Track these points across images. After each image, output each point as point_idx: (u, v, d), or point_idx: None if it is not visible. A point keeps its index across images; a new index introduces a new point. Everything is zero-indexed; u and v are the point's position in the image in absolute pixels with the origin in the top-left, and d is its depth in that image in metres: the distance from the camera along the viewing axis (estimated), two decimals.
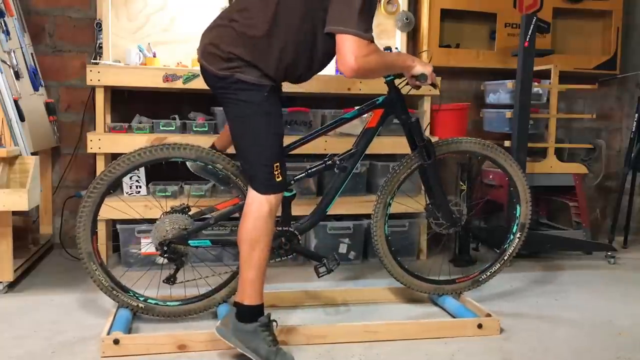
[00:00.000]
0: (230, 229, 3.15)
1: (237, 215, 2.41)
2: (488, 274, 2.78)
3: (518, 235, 2.77)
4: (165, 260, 2.42)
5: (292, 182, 2.42)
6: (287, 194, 2.38)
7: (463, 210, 2.73)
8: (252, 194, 2.13)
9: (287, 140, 2.33)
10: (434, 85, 2.41)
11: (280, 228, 2.42)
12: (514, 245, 2.78)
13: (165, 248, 2.38)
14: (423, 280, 2.71)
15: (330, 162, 2.47)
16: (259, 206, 2.11)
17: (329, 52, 2.15)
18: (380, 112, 2.49)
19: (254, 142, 2.11)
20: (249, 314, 2.12)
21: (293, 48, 2.09)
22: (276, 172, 2.12)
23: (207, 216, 2.52)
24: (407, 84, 2.43)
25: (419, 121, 2.57)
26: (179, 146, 2.37)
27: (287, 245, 2.43)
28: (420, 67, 2.32)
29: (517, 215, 2.76)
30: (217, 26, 2.17)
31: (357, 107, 2.53)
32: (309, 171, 2.50)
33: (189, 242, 2.40)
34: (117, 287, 2.41)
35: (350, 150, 2.50)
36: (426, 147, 2.54)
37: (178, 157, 2.39)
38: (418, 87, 2.44)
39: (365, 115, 2.56)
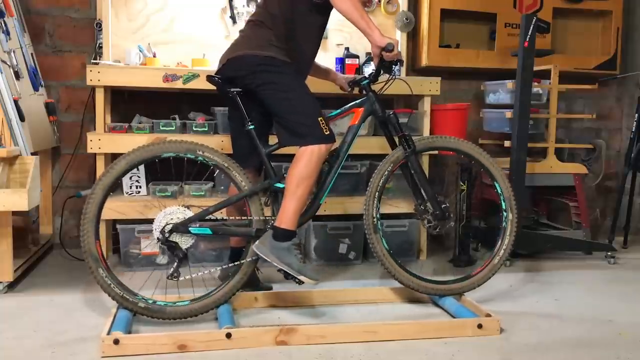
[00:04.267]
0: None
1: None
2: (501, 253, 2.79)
3: (510, 213, 2.81)
4: (165, 258, 2.42)
5: (284, 175, 2.53)
6: (281, 185, 2.53)
7: (450, 207, 2.79)
8: (304, 147, 2.46)
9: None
10: (399, 60, 2.61)
11: (272, 219, 2.53)
12: (511, 220, 2.81)
13: (167, 235, 2.42)
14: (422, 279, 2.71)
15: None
16: (310, 154, 2.45)
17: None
18: (361, 111, 2.71)
19: (300, 103, 2.50)
20: (285, 236, 2.45)
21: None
22: (324, 126, 2.49)
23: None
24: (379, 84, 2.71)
25: (396, 115, 2.72)
26: (168, 141, 2.46)
27: None
28: (386, 38, 2.54)
29: (500, 192, 2.83)
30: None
31: (344, 107, 2.76)
32: None
33: (190, 228, 2.45)
34: (126, 292, 2.39)
35: (339, 145, 2.67)
36: (405, 138, 2.69)
37: (169, 152, 2.45)
38: (389, 67, 2.64)
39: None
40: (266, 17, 2.58)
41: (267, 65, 2.50)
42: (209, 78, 2.64)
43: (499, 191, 2.83)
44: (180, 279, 2.44)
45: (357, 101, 2.73)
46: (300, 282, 2.47)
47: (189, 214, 2.48)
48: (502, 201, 2.82)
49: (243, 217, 2.58)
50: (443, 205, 2.73)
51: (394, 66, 2.66)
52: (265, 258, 2.44)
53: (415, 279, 2.67)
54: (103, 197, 2.43)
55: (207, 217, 2.51)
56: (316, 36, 2.74)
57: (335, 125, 2.90)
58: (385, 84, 2.73)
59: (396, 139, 2.74)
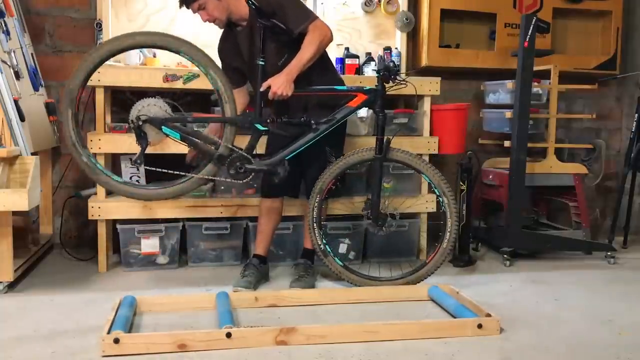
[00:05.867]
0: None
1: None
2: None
3: (444, 197, 2.88)
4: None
5: (268, 121, 2.74)
6: (260, 127, 2.72)
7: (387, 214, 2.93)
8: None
9: None
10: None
11: (244, 154, 2.71)
12: (447, 203, 2.89)
13: (140, 124, 2.59)
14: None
15: (306, 120, 2.78)
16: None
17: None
18: (364, 98, 2.82)
19: None
20: None
21: None
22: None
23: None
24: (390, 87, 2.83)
25: (385, 118, 2.84)
26: (146, 33, 2.69)
27: (241, 168, 2.72)
28: (276, 82, 2.68)
29: (429, 180, 2.92)
30: None
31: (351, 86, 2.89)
32: (287, 121, 2.78)
33: (163, 127, 2.62)
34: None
35: (328, 117, 2.80)
36: (382, 142, 2.82)
37: (146, 44, 2.69)
38: (402, 82, 2.83)
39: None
40: None
41: None
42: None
43: (428, 180, 2.93)
44: (143, 165, 2.64)
45: (366, 87, 2.83)
46: None
47: (168, 112, 2.65)
48: (434, 189, 2.91)
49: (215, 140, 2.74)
50: (381, 213, 2.90)
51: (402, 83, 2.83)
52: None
53: (373, 280, 2.92)
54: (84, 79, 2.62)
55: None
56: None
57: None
58: (395, 86, 2.83)
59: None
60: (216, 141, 2.71)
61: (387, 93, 2.84)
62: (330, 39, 2.79)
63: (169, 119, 2.65)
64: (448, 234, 2.90)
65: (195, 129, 2.98)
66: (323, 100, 2.89)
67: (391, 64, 2.82)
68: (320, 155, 2.90)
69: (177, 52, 2.64)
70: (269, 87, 2.68)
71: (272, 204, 3.05)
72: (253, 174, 2.75)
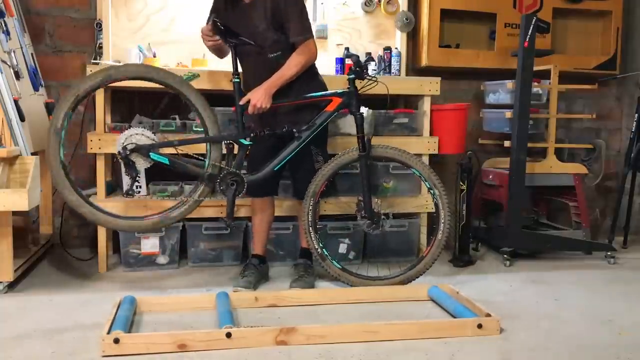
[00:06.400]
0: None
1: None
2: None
3: (436, 189, 2.95)
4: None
5: (252, 134, 2.79)
6: (245, 142, 2.78)
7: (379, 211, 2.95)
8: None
9: None
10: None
11: (234, 170, 2.77)
12: (439, 195, 2.94)
13: (128, 153, 2.64)
14: None
15: (287, 129, 2.83)
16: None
17: None
18: (339, 101, 2.88)
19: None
20: None
21: None
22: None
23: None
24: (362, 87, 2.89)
25: (362, 117, 2.91)
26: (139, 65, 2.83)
27: (233, 185, 2.77)
28: (255, 97, 2.75)
29: (419, 174, 2.97)
30: None
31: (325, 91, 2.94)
32: (270, 133, 2.83)
33: (150, 154, 2.66)
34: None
35: (309, 124, 2.86)
36: (363, 140, 2.87)
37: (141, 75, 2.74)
38: (373, 79, 2.89)
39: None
40: None
41: None
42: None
43: (418, 174, 2.97)
44: (135, 197, 2.69)
45: (339, 91, 2.89)
46: None
47: (153, 139, 2.69)
48: (424, 181, 2.97)
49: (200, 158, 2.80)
50: (375, 213, 2.92)
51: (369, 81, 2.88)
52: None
53: (373, 280, 2.94)
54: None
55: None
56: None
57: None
58: (366, 86, 2.89)
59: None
60: (202, 163, 2.78)
61: (363, 93, 2.90)
62: (314, 60, 2.90)
63: (156, 145, 2.70)
64: (442, 225, 2.95)
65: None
66: (306, 105, 2.93)
67: (362, 62, 2.93)
68: (306, 156, 2.94)
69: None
70: (248, 101, 2.76)
71: (262, 202, 3.09)
72: (245, 189, 2.80)
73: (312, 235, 2.91)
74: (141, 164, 2.69)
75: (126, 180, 3.28)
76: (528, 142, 3.53)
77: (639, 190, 4.20)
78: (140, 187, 3.32)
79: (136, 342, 2.16)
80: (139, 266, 3.25)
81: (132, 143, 2.65)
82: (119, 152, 2.66)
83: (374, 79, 2.89)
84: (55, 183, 2.63)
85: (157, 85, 3.18)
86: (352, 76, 2.89)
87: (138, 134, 2.67)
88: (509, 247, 3.52)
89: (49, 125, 2.64)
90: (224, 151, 2.81)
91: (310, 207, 2.90)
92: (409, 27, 3.92)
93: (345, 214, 3.26)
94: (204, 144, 2.83)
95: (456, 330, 2.39)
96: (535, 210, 4.13)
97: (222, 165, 2.77)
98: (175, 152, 2.81)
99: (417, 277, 2.95)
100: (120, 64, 3.04)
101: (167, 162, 2.70)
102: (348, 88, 2.89)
